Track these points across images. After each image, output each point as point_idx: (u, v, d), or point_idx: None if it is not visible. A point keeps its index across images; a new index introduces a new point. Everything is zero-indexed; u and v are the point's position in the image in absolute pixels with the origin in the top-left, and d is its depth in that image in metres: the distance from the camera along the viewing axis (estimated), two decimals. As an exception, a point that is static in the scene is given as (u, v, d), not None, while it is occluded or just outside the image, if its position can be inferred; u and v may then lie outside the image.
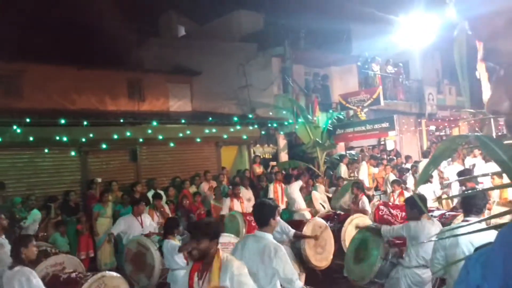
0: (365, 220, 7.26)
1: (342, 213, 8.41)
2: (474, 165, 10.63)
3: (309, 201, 10.14)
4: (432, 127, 20.50)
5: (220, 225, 3.60)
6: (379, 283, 5.13)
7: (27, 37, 13.19)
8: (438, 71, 20.45)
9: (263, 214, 3.89)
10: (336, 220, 7.76)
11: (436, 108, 19.19)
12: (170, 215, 8.92)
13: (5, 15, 12.85)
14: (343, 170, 12.29)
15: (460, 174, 8.37)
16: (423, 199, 4.95)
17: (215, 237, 3.32)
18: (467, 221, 3.83)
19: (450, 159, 11.14)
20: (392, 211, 7.54)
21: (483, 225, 3.43)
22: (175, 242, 5.51)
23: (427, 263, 4.55)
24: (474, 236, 3.18)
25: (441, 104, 19.64)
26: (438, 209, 7.52)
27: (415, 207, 4.78)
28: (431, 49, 17.37)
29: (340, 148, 15.63)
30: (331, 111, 14.84)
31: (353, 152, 15.33)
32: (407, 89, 18.36)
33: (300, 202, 9.74)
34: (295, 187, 9.94)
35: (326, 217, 8.08)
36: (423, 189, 9.20)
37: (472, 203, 3.90)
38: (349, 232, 7.10)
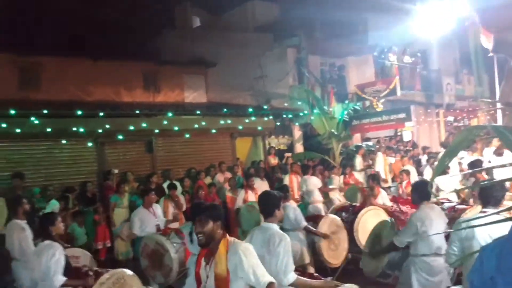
0: (380, 212, 7.21)
1: (358, 204, 8.35)
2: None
3: (326, 193, 10.11)
4: (450, 118, 20.20)
5: (221, 207, 3.56)
6: (392, 275, 5.08)
7: (44, 30, 13.33)
8: (457, 60, 20.08)
9: (268, 205, 3.89)
10: (350, 212, 7.71)
11: (454, 98, 18.90)
12: (185, 206, 8.99)
13: (22, 8, 13.00)
14: (359, 162, 12.19)
15: (471, 165, 8.21)
16: (426, 185, 4.94)
17: (218, 219, 3.25)
18: (484, 212, 3.76)
19: (469, 150, 10.97)
20: (402, 207, 7.44)
21: (501, 217, 3.35)
22: None
23: (437, 250, 4.51)
24: (492, 228, 3.12)
25: (459, 94, 19.33)
26: (448, 201, 7.40)
27: (416, 192, 4.84)
28: (450, 38, 17.02)
29: (356, 139, 15.51)
30: (347, 101, 14.70)
31: (369, 143, 15.22)
32: (424, 79, 18.09)
33: (316, 195, 9.71)
34: (312, 181, 9.88)
35: (342, 209, 8.03)
36: (442, 181, 9.07)
37: (489, 194, 3.83)
38: (362, 223, 7.03)
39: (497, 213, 3.42)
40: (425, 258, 4.58)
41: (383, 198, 8.02)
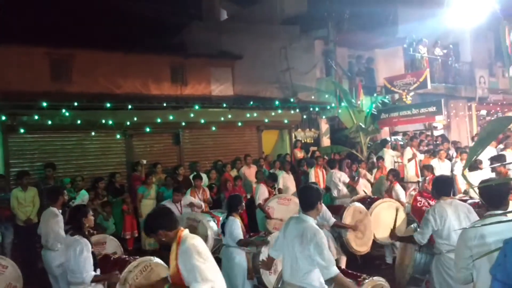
0: (394, 205, 7.22)
1: (376, 197, 8.28)
2: None
3: (351, 188, 9.99)
4: (483, 112, 19.61)
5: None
6: (423, 279, 4.94)
7: (76, 23, 13.56)
8: (491, 52, 19.42)
9: (310, 198, 3.85)
10: (367, 203, 7.62)
11: (487, 91, 18.34)
12: (210, 197, 9.10)
13: (54, 2, 13.28)
14: (387, 155, 11.98)
15: (492, 159, 7.93)
16: (446, 181, 4.91)
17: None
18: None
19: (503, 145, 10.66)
20: (430, 201, 7.28)
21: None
22: (239, 221, 5.50)
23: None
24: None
25: (493, 88, 18.74)
26: (471, 198, 7.22)
27: (434, 187, 4.78)
28: (484, 29, 16.48)
29: (385, 133, 15.26)
30: (375, 95, 14.47)
31: (398, 137, 14.96)
32: (456, 72, 17.61)
33: (342, 189, 9.61)
34: (338, 175, 9.76)
35: (360, 200, 8.00)
36: (474, 177, 8.80)
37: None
38: (375, 214, 7.15)
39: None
40: (449, 255, 4.32)
41: (399, 194, 7.92)
